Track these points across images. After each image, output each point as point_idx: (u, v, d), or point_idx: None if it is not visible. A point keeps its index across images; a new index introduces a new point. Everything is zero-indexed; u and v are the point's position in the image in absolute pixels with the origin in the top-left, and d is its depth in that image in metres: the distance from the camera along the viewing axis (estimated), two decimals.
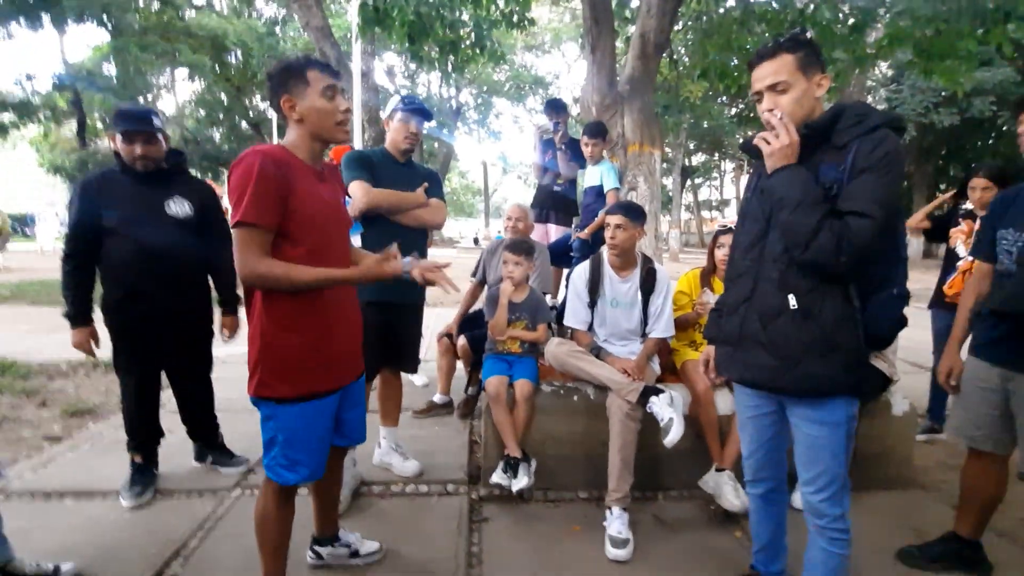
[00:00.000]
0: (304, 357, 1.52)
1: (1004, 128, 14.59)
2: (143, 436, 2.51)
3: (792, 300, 1.42)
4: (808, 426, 1.49)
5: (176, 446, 2.73)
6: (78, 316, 2.34)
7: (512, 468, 2.39)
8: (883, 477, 2.65)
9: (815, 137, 1.42)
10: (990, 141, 15.28)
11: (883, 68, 15.28)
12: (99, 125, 22.40)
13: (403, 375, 2.72)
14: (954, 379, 1.97)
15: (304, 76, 1.49)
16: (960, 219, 3.22)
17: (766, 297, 1.47)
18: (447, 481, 2.62)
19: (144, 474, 2.48)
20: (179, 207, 2.37)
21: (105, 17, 16.62)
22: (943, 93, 14.36)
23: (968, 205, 3.23)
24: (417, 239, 2.49)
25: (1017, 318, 1.68)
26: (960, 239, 3.16)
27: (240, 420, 2.84)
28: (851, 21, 5.30)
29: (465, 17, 5.37)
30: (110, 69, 19.76)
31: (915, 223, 3.48)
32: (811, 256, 1.36)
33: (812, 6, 5.34)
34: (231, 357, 3.81)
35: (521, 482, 2.36)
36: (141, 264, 2.29)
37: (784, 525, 1.80)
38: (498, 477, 2.40)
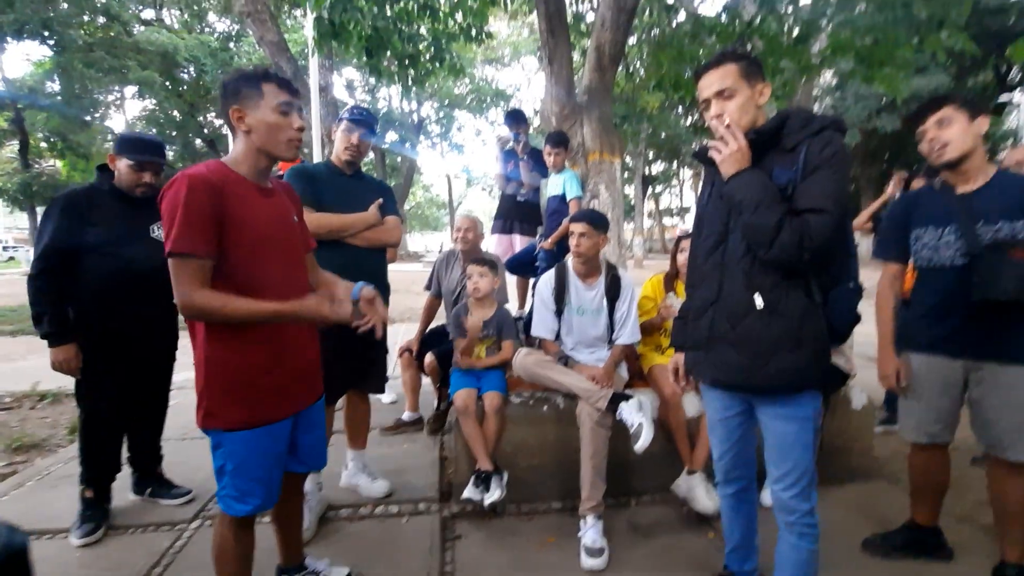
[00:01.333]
0: (252, 382, 1.44)
1: None
2: (101, 469, 2.37)
3: (758, 298, 1.45)
4: (778, 422, 1.52)
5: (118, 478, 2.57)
6: (59, 333, 2.20)
7: (484, 482, 2.35)
8: (846, 470, 2.73)
9: (764, 142, 1.47)
10: None
11: (827, 77, 16.05)
12: (43, 145, 21.38)
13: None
14: (904, 380, 2.00)
15: (259, 88, 1.43)
16: None
17: (733, 297, 1.50)
18: (418, 500, 2.55)
19: (96, 510, 2.33)
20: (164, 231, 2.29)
21: (47, 33, 15.96)
22: (884, 100, 15.17)
23: None
24: (372, 259, 2.38)
25: (983, 308, 1.73)
26: None
27: (195, 448, 2.71)
28: (796, 32, 5.54)
29: (423, 31, 5.37)
30: (54, 87, 18.92)
31: (860, 224, 3.65)
32: (775, 254, 1.39)
33: (759, 18, 5.56)
34: (188, 382, 3.64)
35: (493, 495, 2.32)
36: (120, 284, 2.21)
37: (755, 524, 1.82)
38: (470, 492, 2.35)
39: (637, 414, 2.28)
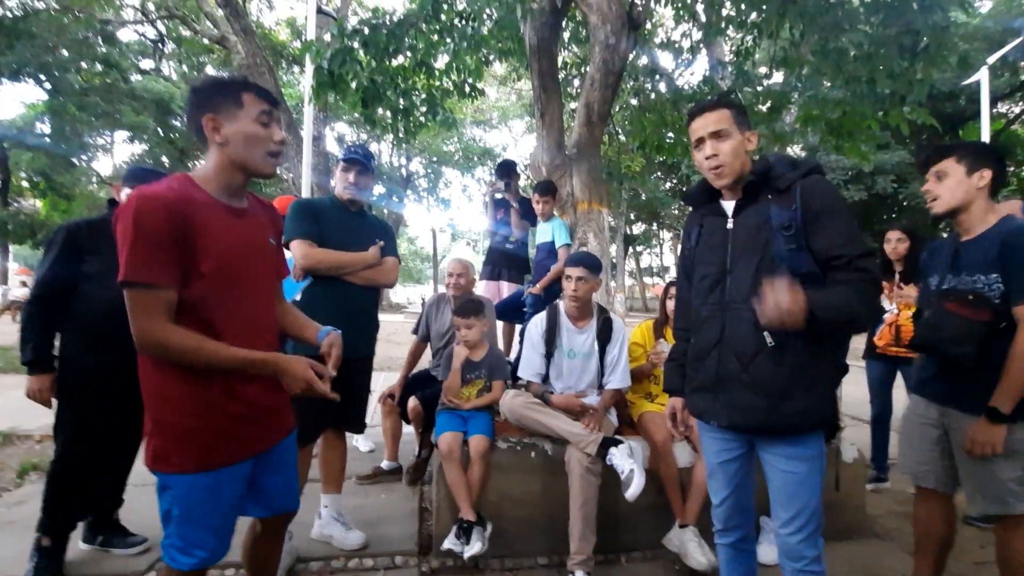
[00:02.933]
0: (207, 420, 1.29)
1: (904, 203, 16.39)
2: (66, 515, 2.19)
3: (768, 337, 1.44)
4: (787, 463, 1.48)
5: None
6: (41, 362, 2.12)
7: (465, 533, 2.22)
8: (839, 526, 2.64)
9: (758, 183, 1.52)
10: (894, 214, 17.08)
11: (797, 149, 17.05)
12: (24, 184, 21.20)
13: (349, 439, 2.53)
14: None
15: (238, 97, 1.32)
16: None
17: (740, 337, 1.49)
18: (395, 553, 2.39)
19: (51, 561, 2.14)
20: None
21: (43, 76, 16.19)
22: (850, 172, 16.08)
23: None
24: (365, 297, 2.39)
25: (935, 350, 1.77)
26: (884, 293, 3.40)
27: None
28: (768, 103, 5.91)
29: (418, 86, 5.58)
30: (43, 128, 19.01)
31: None
32: (866, 312, 1.43)
33: (735, 90, 5.92)
34: None
35: (474, 548, 2.18)
36: (114, 315, 2.10)
37: None
38: (450, 543, 2.21)
39: (628, 460, 2.20)
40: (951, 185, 1.80)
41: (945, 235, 2.71)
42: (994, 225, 1.77)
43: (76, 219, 2.35)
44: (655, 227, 32.60)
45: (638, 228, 31.90)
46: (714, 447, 1.66)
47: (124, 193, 2.27)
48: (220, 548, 1.36)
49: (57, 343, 2.19)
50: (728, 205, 1.58)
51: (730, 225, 1.56)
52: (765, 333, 1.44)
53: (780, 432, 1.48)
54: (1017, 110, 17.05)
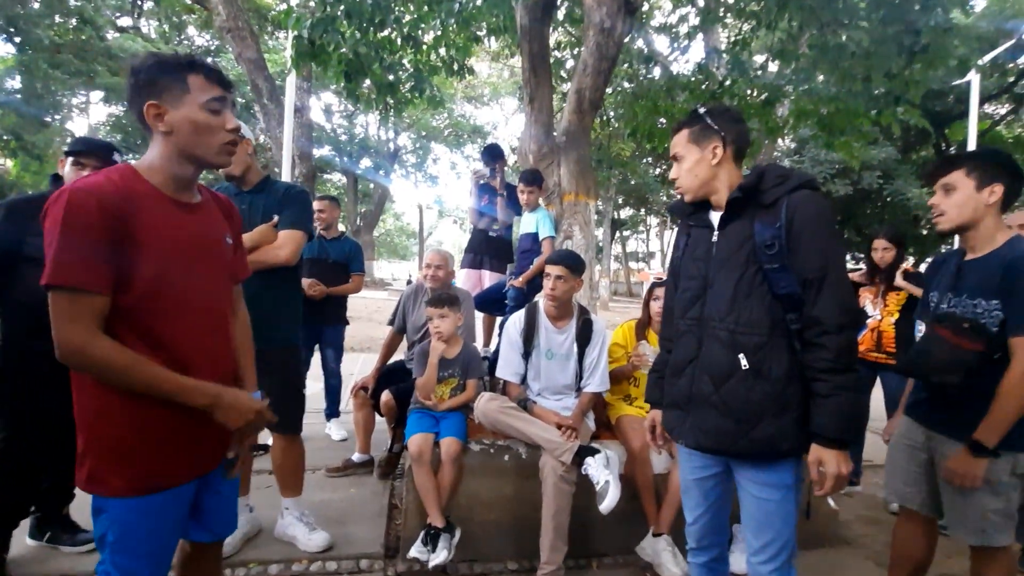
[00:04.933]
0: (146, 441, 1.16)
1: (888, 199, 16.50)
2: (8, 511, 2.07)
3: (743, 359, 1.38)
4: (758, 489, 1.43)
5: None
6: None
7: (432, 540, 2.15)
8: (810, 534, 2.64)
9: (745, 197, 1.44)
10: (877, 209, 17.22)
11: (787, 141, 16.99)
12: None
13: (321, 427, 2.41)
14: (886, 435, 2.02)
15: (183, 80, 1.16)
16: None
17: (714, 357, 1.43)
18: (360, 556, 2.32)
19: None
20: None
21: (12, 30, 15.35)
22: (837, 166, 16.13)
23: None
24: (256, 284, 1.76)
25: (923, 377, 1.72)
26: (868, 298, 3.37)
27: None
28: (763, 96, 5.80)
29: (405, 61, 5.35)
30: (14, 84, 18.11)
31: None
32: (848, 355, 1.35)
33: (730, 80, 5.80)
34: None
35: (439, 557, 2.11)
36: None
37: None
38: (416, 551, 2.14)
39: (604, 471, 2.14)
40: (959, 201, 1.67)
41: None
42: (1001, 246, 1.65)
43: (16, 196, 2.18)
44: (643, 212, 32.60)
45: (626, 213, 31.85)
46: (690, 463, 1.61)
47: (68, 168, 2.10)
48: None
49: None
50: (715, 217, 1.51)
51: (715, 238, 1.49)
52: (740, 356, 1.38)
53: (747, 457, 1.43)
54: (1003, 111, 17.19)
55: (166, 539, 1.25)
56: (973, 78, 8.11)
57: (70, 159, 2.10)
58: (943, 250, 1.93)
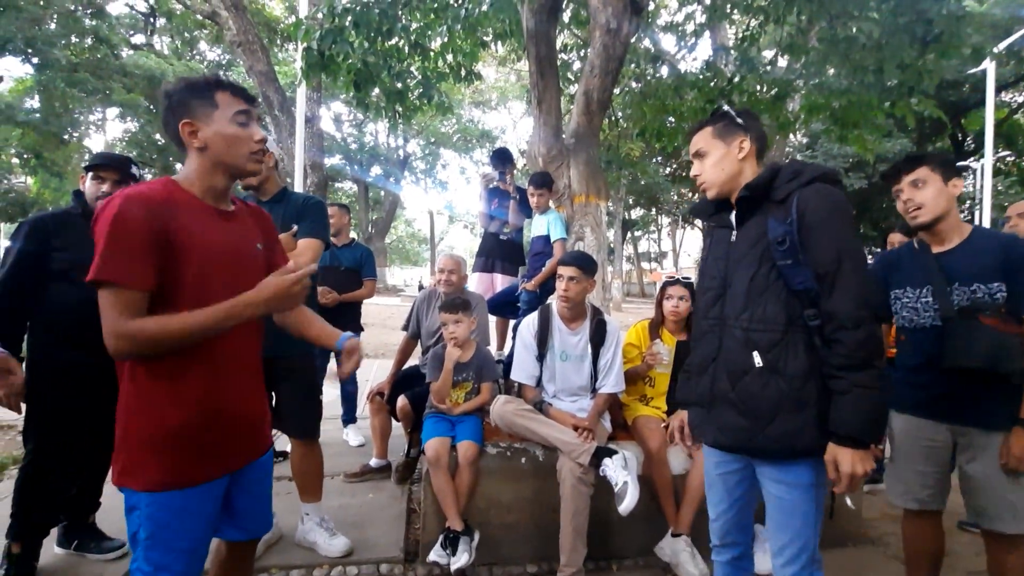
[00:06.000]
0: (178, 436, 1.23)
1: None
2: (38, 521, 2.12)
3: (757, 357, 1.37)
4: (777, 488, 1.41)
5: None
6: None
7: (451, 543, 2.16)
8: (834, 533, 2.60)
9: (758, 194, 1.44)
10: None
11: (799, 136, 16.83)
12: (14, 161, 20.82)
13: (338, 433, 2.43)
14: (884, 441, 1.98)
15: (212, 98, 1.28)
16: None
17: (732, 355, 1.43)
18: (380, 560, 2.33)
19: (21, 568, 2.07)
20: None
21: (30, 51, 15.74)
22: (851, 160, 15.92)
23: None
24: None
25: (963, 372, 1.69)
26: None
27: None
28: (773, 91, 5.75)
29: (413, 69, 5.40)
30: (33, 103, 18.57)
31: None
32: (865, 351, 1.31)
33: (739, 76, 5.76)
34: None
35: (460, 560, 2.12)
36: (85, 311, 1.99)
37: None
38: (436, 555, 2.15)
39: (622, 472, 2.13)
40: (933, 193, 1.77)
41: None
42: (973, 234, 1.79)
43: (41, 212, 2.24)
44: (654, 212, 32.43)
45: (636, 213, 31.72)
46: (714, 458, 1.60)
47: (88, 182, 2.16)
48: (191, 573, 1.28)
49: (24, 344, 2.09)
50: (735, 217, 1.50)
51: (733, 238, 1.49)
52: (754, 353, 1.38)
53: (764, 456, 1.42)
54: (1020, 99, 16.86)
55: (198, 534, 1.29)
56: (988, 66, 7.98)
57: (90, 174, 2.16)
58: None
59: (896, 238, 3.27)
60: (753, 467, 1.52)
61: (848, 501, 2.65)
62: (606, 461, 2.16)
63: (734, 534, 1.60)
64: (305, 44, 4.27)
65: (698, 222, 27.78)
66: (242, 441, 1.36)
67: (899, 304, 1.90)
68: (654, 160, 18.64)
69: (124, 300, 1.15)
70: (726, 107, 1.52)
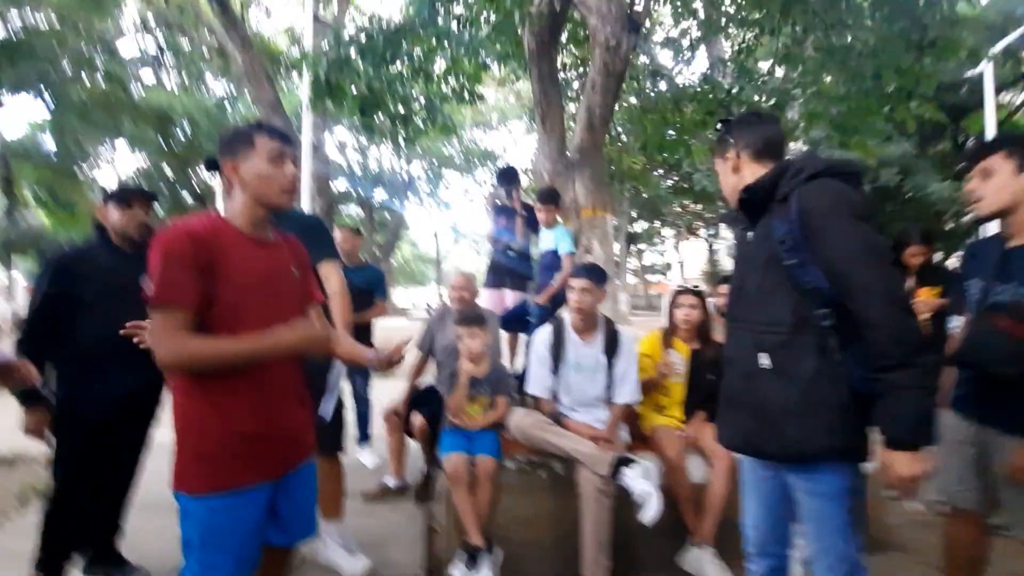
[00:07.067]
0: (226, 443, 1.34)
1: (909, 195, 16.22)
2: (62, 551, 2.13)
3: (764, 359, 1.36)
4: (802, 496, 1.39)
5: None
6: (33, 393, 2.03)
7: (473, 559, 2.14)
8: (863, 541, 2.56)
9: (760, 196, 1.43)
10: (898, 207, 16.92)
11: (799, 144, 16.93)
12: (30, 200, 21.24)
13: (355, 455, 2.45)
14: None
15: (251, 140, 1.42)
16: None
17: (742, 356, 1.43)
18: None
19: None
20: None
21: (45, 89, 16.19)
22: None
23: None
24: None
25: (980, 369, 1.67)
26: None
27: (151, 518, 2.45)
28: (772, 101, 5.82)
29: (417, 92, 5.53)
30: (48, 142, 19.03)
31: None
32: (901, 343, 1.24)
33: (737, 87, 5.85)
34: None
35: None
36: (111, 342, 1.99)
37: None
38: (457, 571, 2.14)
39: (643, 481, 2.13)
40: (998, 184, 1.60)
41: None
42: None
43: (66, 249, 2.30)
44: (657, 224, 32.47)
45: (640, 226, 31.77)
46: (747, 463, 1.57)
47: (115, 212, 2.20)
48: (240, 574, 1.36)
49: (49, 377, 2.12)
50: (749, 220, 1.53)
51: (750, 239, 1.51)
52: (760, 354, 1.36)
53: (777, 459, 1.40)
54: (1020, 100, 16.87)
55: (246, 537, 1.37)
56: (986, 68, 8.01)
57: (113, 203, 2.20)
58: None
59: (914, 250, 3.16)
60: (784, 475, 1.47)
61: (905, 504, 2.59)
62: (626, 471, 2.16)
63: (773, 544, 1.55)
64: (313, 74, 4.40)
65: (702, 232, 27.79)
66: (287, 447, 1.47)
67: (970, 295, 1.78)
68: (656, 173, 18.75)
69: (173, 320, 1.28)
70: (720, 124, 1.57)
